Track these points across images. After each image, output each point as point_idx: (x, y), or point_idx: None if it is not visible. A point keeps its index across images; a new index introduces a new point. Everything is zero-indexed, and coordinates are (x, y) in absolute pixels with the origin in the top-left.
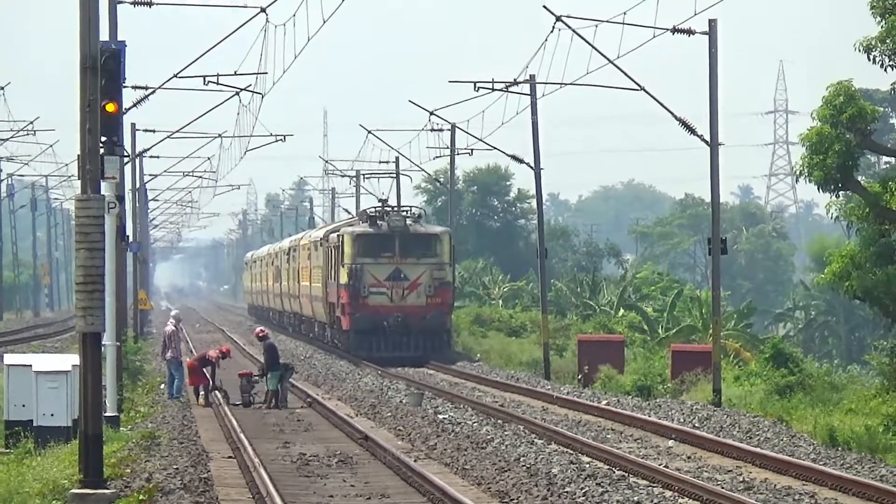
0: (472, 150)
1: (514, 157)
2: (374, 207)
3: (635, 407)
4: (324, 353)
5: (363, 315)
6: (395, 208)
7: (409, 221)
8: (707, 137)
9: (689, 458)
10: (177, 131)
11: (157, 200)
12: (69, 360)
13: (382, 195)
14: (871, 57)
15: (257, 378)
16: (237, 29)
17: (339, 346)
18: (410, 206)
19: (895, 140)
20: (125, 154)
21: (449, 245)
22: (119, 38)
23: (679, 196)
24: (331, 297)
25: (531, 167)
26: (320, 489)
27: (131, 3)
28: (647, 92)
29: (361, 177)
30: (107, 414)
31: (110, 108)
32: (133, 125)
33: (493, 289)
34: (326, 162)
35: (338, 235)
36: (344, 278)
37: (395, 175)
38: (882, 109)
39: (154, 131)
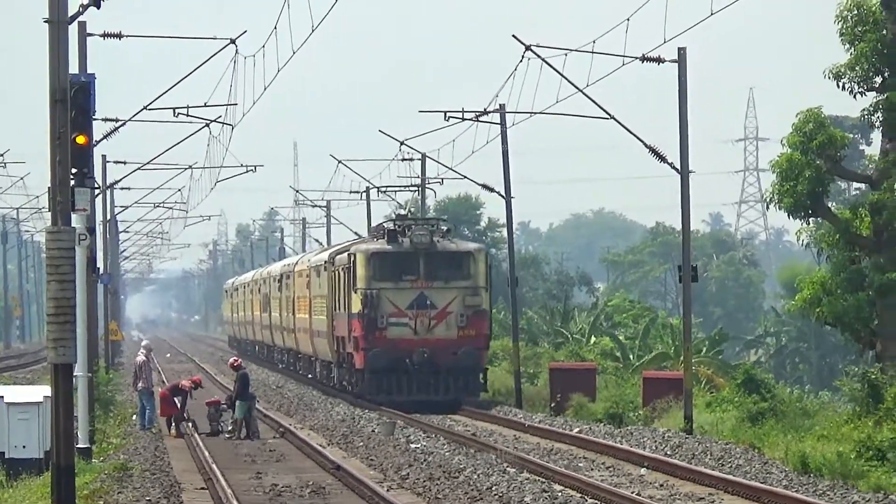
0: (442, 179)
1: (484, 187)
2: (393, 220)
3: (607, 435)
4: (296, 382)
5: (381, 351)
6: (419, 221)
7: (435, 237)
8: (677, 165)
9: (661, 485)
10: (147, 163)
11: (127, 232)
12: (40, 392)
13: (403, 209)
14: (841, 84)
15: (225, 406)
16: (207, 60)
17: (350, 389)
18: (437, 218)
19: (865, 166)
20: (96, 186)
21: (485, 265)
22: (89, 71)
23: (649, 224)
24: (339, 330)
25: (502, 196)
26: None
27: (101, 36)
28: (616, 120)
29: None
30: (79, 445)
31: (80, 140)
32: (104, 157)
33: None
34: (297, 192)
35: (348, 255)
36: (357, 306)
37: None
38: (852, 136)
39: (125, 163)
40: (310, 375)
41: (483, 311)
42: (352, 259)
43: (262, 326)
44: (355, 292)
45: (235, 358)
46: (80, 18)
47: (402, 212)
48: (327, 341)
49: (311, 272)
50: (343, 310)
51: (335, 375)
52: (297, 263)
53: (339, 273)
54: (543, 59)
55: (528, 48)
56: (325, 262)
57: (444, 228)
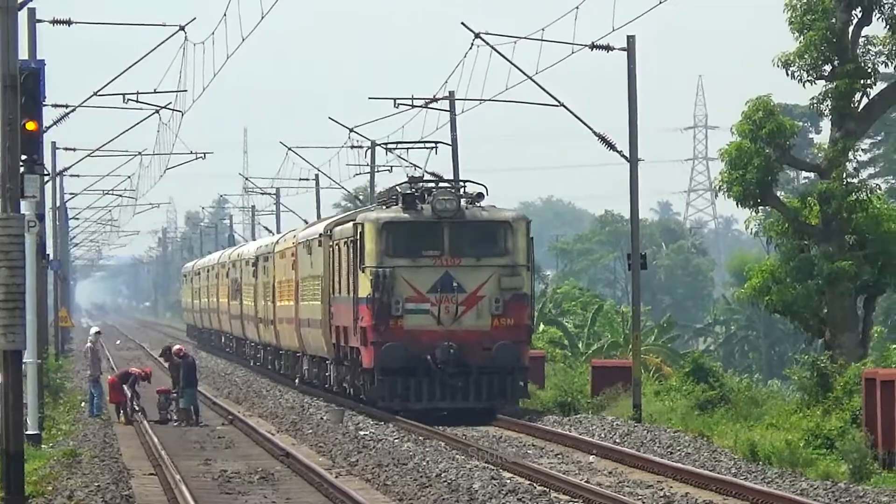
0: (391, 167)
1: (433, 175)
2: (410, 183)
3: (556, 422)
4: (245, 369)
5: (395, 345)
6: (441, 184)
7: (464, 203)
8: (626, 153)
9: (610, 473)
10: (97, 149)
11: (77, 219)
12: None
13: (418, 169)
14: (790, 72)
15: (175, 395)
16: (156, 47)
17: (356, 393)
18: (465, 181)
19: (814, 155)
20: (45, 173)
21: (526, 238)
22: (39, 57)
23: (598, 212)
24: (339, 318)
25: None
26: None
27: (50, 23)
28: (566, 108)
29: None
30: (28, 432)
31: (30, 126)
32: (53, 143)
33: None
34: (246, 179)
35: (353, 225)
36: (365, 289)
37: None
38: (801, 124)
39: (74, 150)
40: (298, 377)
41: (524, 296)
42: (358, 230)
43: (231, 316)
44: (363, 271)
45: (180, 347)
46: (30, 4)
47: (417, 172)
48: (322, 332)
49: (298, 250)
50: (346, 293)
51: (332, 376)
52: (276, 243)
53: (339, 248)
54: (493, 47)
55: (477, 35)
56: (321, 235)
57: (475, 192)
